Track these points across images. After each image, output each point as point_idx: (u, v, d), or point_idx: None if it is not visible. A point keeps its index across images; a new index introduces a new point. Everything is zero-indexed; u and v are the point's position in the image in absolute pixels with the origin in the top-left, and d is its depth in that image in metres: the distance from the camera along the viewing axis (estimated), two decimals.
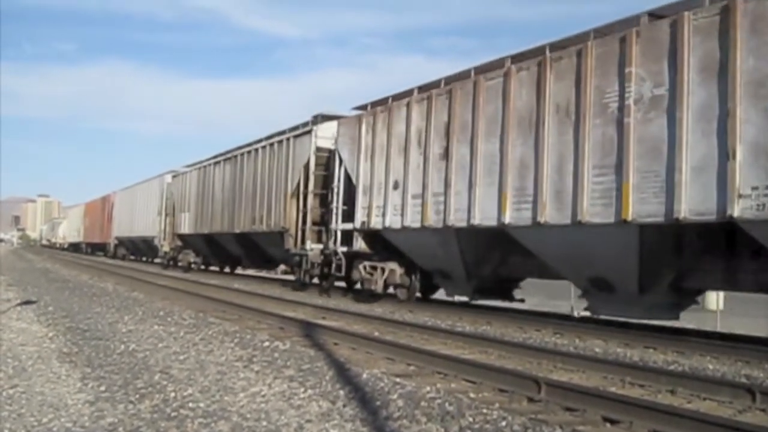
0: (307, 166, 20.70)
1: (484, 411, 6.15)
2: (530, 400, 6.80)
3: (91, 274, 29.02)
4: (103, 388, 7.18)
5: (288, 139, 22.22)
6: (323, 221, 20.05)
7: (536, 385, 7.02)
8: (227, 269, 33.45)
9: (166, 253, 36.16)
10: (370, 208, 16.95)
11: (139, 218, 41.73)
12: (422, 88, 15.84)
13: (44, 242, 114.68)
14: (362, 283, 17.71)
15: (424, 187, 15.03)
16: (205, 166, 30.78)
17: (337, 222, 18.49)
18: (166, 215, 35.78)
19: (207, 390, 7.08)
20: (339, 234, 18.40)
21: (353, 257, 18.09)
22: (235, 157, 27.08)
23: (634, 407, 6.08)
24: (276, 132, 24.10)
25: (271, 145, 23.66)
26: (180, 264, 34.31)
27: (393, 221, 16.09)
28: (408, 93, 16.31)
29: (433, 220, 14.77)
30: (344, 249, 18.26)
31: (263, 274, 31.12)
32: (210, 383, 7.40)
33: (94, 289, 20.42)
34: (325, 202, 19.99)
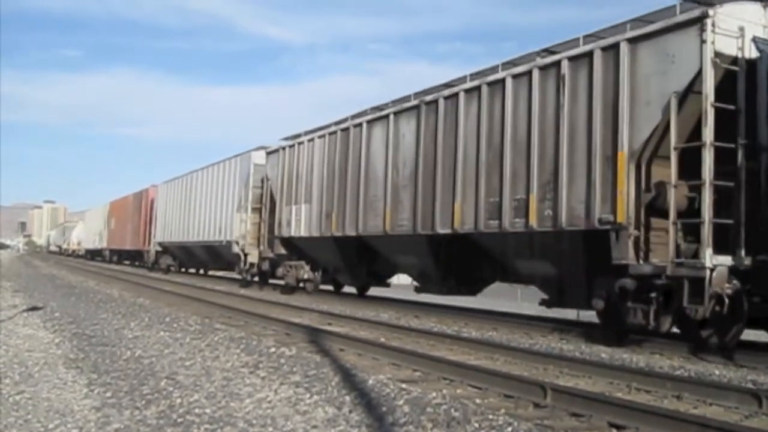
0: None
1: (490, 417, 6.14)
2: (536, 405, 6.80)
3: (97, 280, 29.09)
4: (109, 394, 7.20)
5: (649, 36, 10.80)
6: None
7: (542, 390, 7.01)
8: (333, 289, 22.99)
9: (252, 265, 25.25)
10: None
11: (201, 217, 30.64)
12: None
13: (53, 248, 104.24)
14: None
15: None
16: (347, 128, 18.68)
17: None
18: (254, 210, 25.31)
19: (213, 396, 7.10)
20: None
21: None
22: (437, 101, 15.08)
23: (640, 413, 6.08)
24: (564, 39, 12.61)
25: (584, 56, 11.72)
26: (285, 281, 22.39)
27: None
28: None
29: None
30: None
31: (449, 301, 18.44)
32: (216, 389, 7.42)
33: (100, 295, 20.46)
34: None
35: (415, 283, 17.81)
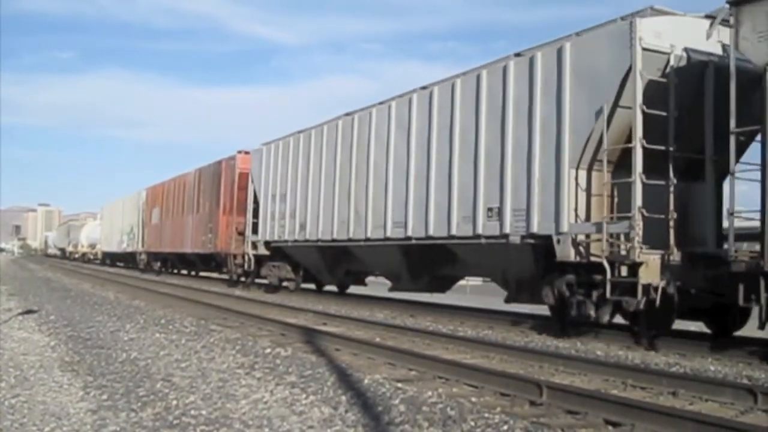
0: None
1: (486, 415, 6.15)
2: (532, 403, 6.81)
3: (92, 283, 29.02)
4: (105, 397, 7.19)
5: None
6: None
7: (538, 388, 7.03)
8: None
9: (649, 290, 10.49)
10: None
11: (406, 190, 15.70)
12: None
13: (52, 251, 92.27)
14: None
15: None
16: None
17: None
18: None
19: (209, 397, 7.09)
20: None
21: None
22: None
23: (635, 410, 6.10)
24: None
25: None
26: None
27: None
28: None
29: None
30: None
31: None
32: (212, 390, 7.41)
33: (95, 297, 20.42)
34: None
35: None
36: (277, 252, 22.39)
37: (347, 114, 18.56)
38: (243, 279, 25.56)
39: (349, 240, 17.85)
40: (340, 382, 7.66)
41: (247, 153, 25.36)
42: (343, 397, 6.97)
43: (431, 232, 14.83)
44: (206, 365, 8.96)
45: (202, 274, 33.58)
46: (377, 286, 21.99)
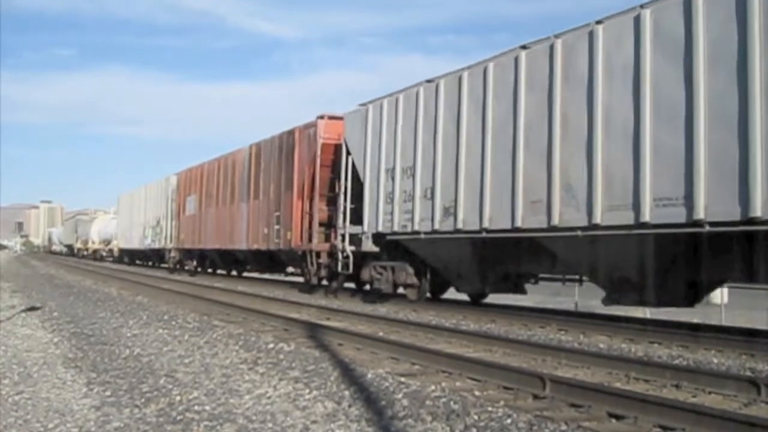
0: None
1: (489, 409, 6.15)
2: (535, 397, 6.81)
3: (95, 279, 29.05)
4: (108, 393, 7.20)
5: None
6: None
7: (541, 381, 7.02)
8: None
9: None
10: None
11: None
12: None
13: (57, 248, 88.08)
14: None
15: None
16: None
17: None
18: None
19: (212, 393, 7.10)
20: None
21: None
22: None
23: (639, 402, 6.08)
24: None
25: None
26: None
27: None
28: None
29: None
30: None
31: None
32: (215, 386, 7.42)
33: (98, 294, 20.44)
34: None
35: None
36: (389, 248, 16.36)
37: (523, 47, 12.51)
38: (325, 283, 19.95)
39: (551, 228, 11.67)
40: (344, 377, 7.66)
41: (333, 118, 19.25)
42: (347, 392, 6.98)
43: (757, 212, 8.82)
44: (209, 361, 8.97)
45: (245, 275, 28.99)
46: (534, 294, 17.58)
